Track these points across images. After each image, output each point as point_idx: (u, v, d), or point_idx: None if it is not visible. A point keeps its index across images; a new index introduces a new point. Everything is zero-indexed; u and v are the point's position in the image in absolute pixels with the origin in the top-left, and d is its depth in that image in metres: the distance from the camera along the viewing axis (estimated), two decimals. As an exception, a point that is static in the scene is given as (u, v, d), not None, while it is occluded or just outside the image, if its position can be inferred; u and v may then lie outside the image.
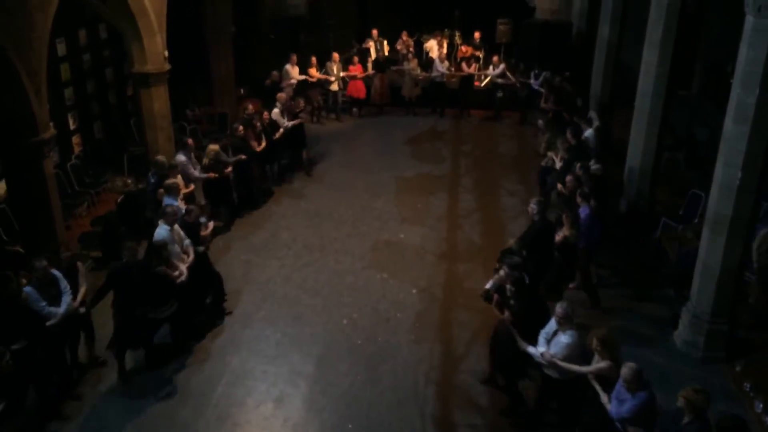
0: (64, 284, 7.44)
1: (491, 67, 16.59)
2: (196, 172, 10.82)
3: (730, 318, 8.28)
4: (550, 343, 6.69)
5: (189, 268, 8.37)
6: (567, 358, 6.54)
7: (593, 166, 10.77)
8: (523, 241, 8.56)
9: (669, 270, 9.94)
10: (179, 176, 10.22)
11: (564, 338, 6.60)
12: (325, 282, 10.04)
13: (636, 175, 11.25)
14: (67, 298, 7.42)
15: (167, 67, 11.94)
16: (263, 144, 12.25)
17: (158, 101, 12.00)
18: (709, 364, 8.22)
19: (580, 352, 6.55)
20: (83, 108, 13.46)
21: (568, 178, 9.94)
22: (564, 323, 6.63)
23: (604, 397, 6.14)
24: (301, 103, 13.83)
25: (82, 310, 7.82)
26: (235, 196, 11.85)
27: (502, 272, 7.44)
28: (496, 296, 7.62)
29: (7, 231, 10.13)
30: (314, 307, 9.44)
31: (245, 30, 17.03)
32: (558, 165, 11.21)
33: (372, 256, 10.73)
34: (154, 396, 7.81)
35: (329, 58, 16.24)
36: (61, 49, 12.65)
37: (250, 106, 12.87)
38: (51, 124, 9.25)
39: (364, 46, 18.15)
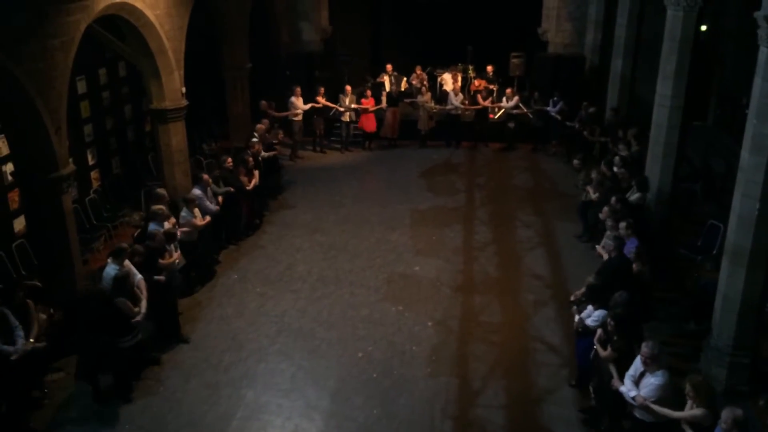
0: (13, 320, 7.58)
1: (505, 100, 16.74)
2: (212, 206, 10.92)
3: (752, 350, 8.13)
4: (639, 385, 6.51)
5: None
6: (659, 401, 6.37)
7: (633, 195, 10.73)
8: (601, 277, 8.32)
9: (688, 302, 9.80)
10: (196, 209, 10.38)
11: (654, 380, 6.41)
12: (340, 315, 10.00)
13: (652, 206, 11.18)
14: (20, 333, 7.56)
15: (185, 103, 12.14)
16: (254, 180, 12.32)
17: (176, 137, 12.18)
18: (732, 397, 8.04)
19: (671, 394, 6.37)
20: (102, 144, 13.68)
21: (604, 210, 9.94)
22: (651, 363, 6.45)
23: None
24: (280, 134, 14.36)
25: (41, 344, 7.89)
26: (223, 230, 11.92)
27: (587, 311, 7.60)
28: (599, 331, 7.44)
29: (25, 265, 10.23)
30: (329, 341, 9.39)
31: (262, 66, 17.29)
32: (594, 197, 11.19)
33: (387, 289, 10.69)
34: (169, 430, 7.75)
35: (343, 92, 16.51)
36: (82, 86, 12.91)
37: (261, 126, 13.20)
38: (70, 160, 9.39)
39: (378, 80, 18.36)
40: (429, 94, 16.99)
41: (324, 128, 16.90)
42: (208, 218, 10.65)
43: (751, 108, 7.59)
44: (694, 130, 12.81)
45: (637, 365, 6.61)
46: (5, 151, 10.29)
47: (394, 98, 16.84)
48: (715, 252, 10.23)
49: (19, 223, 10.71)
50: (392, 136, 17.08)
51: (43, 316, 8.84)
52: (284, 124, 15.77)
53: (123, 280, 8.19)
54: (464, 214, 13.47)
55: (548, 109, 16.25)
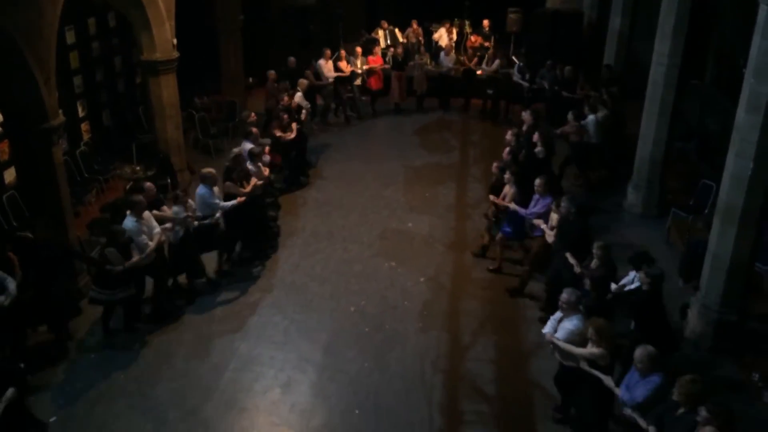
0: (2, 274, 7.58)
1: (485, 62, 16.11)
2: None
3: (740, 309, 8.24)
4: (558, 328, 6.76)
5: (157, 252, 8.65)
6: (572, 343, 6.59)
7: (537, 149, 10.76)
8: (563, 241, 8.42)
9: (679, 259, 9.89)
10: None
11: (568, 324, 6.66)
12: (333, 270, 10.05)
13: (646, 165, 11.20)
14: (12, 284, 7.53)
15: (176, 54, 11.93)
16: (291, 134, 12.22)
17: (167, 89, 12.00)
18: (718, 354, 8.19)
19: (582, 340, 6.52)
20: (92, 96, 13.49)
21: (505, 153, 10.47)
22: (567, 309, 6.70)
23: (608, 381, 6.17)
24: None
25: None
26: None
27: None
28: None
29: (17, 217, 10.18)
30: (322, 295, 9.46)
31: (254, 20, 16.98)
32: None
33: (380, 245, 10.73)
34: (162, 382, 7.85)
35: (337, 49, 16.12)
36: (71, 37, 12.67)
37: (286, 98, 12.96)
38: (60, 111, 9.26)
39: (372, 35, 18.06)
40: (428, 54, 16.58)
41: (350, 94, 16.16)
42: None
43: (748, 67, 7.52)
44: (690, 89, 12.74)
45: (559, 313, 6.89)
46: (-6, 101, 10.14)
47: (400, 62, 16.37)
48: (706, 211, 10.28)
49: (10, 174, 10.62)
50: (400, 101, 16.57)
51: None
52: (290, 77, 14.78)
53: (119, 234, 8.21)
54: (457, 171, 13.44)
55: (515, 77, 15.56)
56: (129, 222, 8.35)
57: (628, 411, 5.98)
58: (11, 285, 7.56)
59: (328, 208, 11.90)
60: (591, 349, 6.33)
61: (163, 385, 7.81)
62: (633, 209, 11.59)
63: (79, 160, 12.11)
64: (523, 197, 9.54)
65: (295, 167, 12.78)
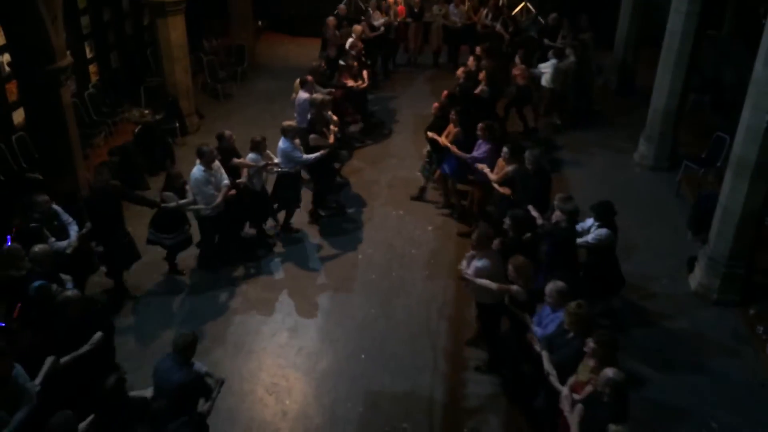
0: (66, 217, 7.52)
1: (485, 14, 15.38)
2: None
3: (747, 262, 8.24)
4: (470, 266, 6.88)
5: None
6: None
7: (481, 88, 10.73)
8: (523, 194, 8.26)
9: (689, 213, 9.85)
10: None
11: (478, 263, 6.78)
12: (341, 218, 10.07)
13: (659, 116, 11.04)
14: (74, 228, 7.50)
15: (185, -5, 11.71)
16: (362, 82, 11.96)
17: (175, 31, 11.83)
18: (723, 307, 8.23)
19: (500, 278, 6.67)
20: (100, 37, 13.31)
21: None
22: (477, 247, 6.80)
23: (525, 317, 6.32)
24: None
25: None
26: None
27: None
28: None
29: (26, 158, 10.19)
30: (330, 243, 9.50)
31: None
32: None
33: (388, 193, 10.71)
34: (171, 325, 7.97)
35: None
36: (77, -25, 12.43)
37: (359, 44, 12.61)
38: (68, 52, 9.17)
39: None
40: (446, 7, 16.02)
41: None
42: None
43: (770, 17, 7.34)
44: (707, 40, 12.46)
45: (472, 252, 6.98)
46: (1, 41, 10.02)
47: (417, 13, 15.89)
48: (719, 164, 10.18)
49: (19, 115, 10.57)
50: (416, 53, 16.05)
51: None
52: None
53: (176, 178, 8.23)
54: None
55: (497, 28, 14.77)
56: (197, 171, 8.17)
57: (537, 346, 6.09)
58: (73, 231, 7.48)
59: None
60: (506, 285, 6.50)
61: (169, 328, 7.85)
62: (644, 161, 11.48)
63: (87, 102, 12.03)
64: (468, 140, 9.31)
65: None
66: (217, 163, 8.31)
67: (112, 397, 5.34)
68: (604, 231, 7.37)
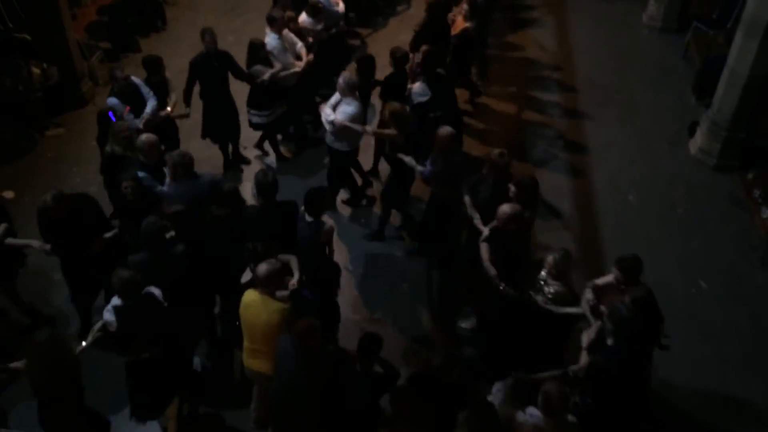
0: (146, 90, 7.01)
1: None
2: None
3: (749, 126, 8.16)
4: (336, 111, 6.88)
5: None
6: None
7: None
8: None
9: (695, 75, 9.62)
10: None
11: (347, 108, 6.81)
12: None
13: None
14: (153, 102, 6.97)
15: None
16: None
17: None
18: (722, 171, 8.24)
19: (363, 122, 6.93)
20: None
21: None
22: (344, 91, 6.81)
23: (408, 160, 6.45)
24: None
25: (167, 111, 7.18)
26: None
27: None
28: None
29: (12, 18, 9.78)
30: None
31: None
32: None
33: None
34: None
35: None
36: None
37: None
38: None
39: None
40: None
41: None
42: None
43: None
44: None
45: (337, 97, 6.94)
46: None
47: None
48: (729, 25, 9.83)
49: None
50: None
51: (37, 71, 8.74)
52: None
53: (259, 48, 7.62)
54: None
55: None
56: (272, 39, 7.68)
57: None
58: (152, 102, 6.94)
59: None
60: (387, 130, 6.67)
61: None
62: (653, 23, 11.07)
63: (71, -42, 11.40)
64: None
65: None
66: (286, 30, 7.83)
67: None
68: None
